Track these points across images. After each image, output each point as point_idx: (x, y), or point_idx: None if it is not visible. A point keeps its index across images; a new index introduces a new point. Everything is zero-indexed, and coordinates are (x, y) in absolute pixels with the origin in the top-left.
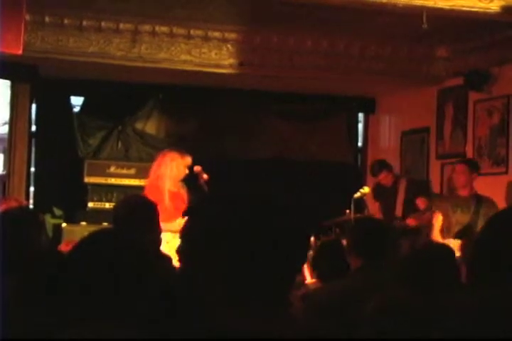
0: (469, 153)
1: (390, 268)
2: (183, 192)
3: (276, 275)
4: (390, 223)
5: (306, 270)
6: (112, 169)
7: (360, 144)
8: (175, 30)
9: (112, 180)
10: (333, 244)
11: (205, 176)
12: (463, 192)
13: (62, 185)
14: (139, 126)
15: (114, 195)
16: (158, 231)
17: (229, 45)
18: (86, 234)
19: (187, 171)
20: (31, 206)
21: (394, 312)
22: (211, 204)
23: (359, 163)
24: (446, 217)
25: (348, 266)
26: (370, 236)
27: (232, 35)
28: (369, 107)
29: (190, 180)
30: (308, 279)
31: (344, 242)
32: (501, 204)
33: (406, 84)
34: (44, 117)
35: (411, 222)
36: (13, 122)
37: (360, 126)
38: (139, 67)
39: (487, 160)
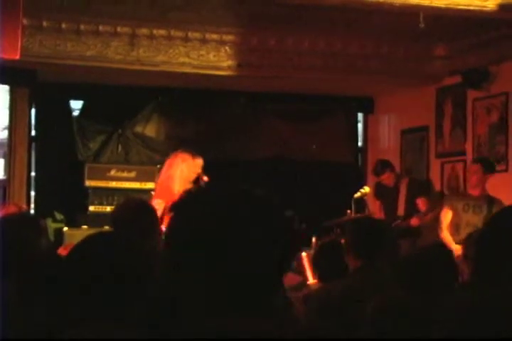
0: (469, 151)
1: (388, 269)
2: None
3: (260, 275)
4: (388, 223)
5: (308, 271)
6: (113, 172)
7: (360, 144)
8: (172, 32)
9: (113, 184)
10: (334, 245)
11: (205, 178)
12: (474, 192)
13: (63, 189)
14: (138, 129)
15: (115, 198)
16: (158, 234)
17: (227, 47)
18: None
19: (198, 173)
20: (32, 210)
21: (393, 313)
22: (193, 202)
23: (359, 162)
24: (456, 214)
25: (345, 266)
26: (368, 236)
27: (230, 37)
28: (368, 107)
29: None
30: (311, 280)
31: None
32: (506, 203)
33: (404, 84)
34: (43, 121)
35: (414, 221)
36: (12, 127)
37: (360, 125)
38: (137, 70)
39: None
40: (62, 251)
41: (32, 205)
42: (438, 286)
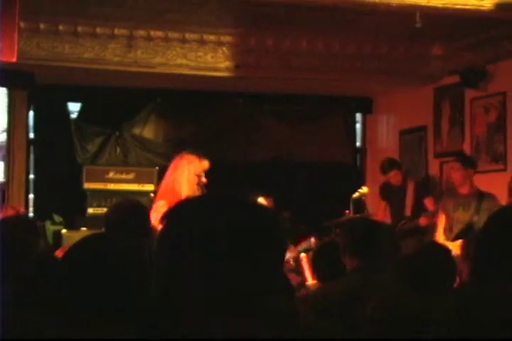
0: (467, 150)
1: (389, 269)
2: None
3: (252, 276)
4: (394, 223)
5: (307, 271)
6: (111, 174)
7: (358, 144)
8: (170, 34)
9: (111, 186)
10: (332, 245)
11: (203, 179)
12: (463, 190)
13: (62, 191)
14: (136, 131)
15: (114, 200)
16: (151, 235)
17: (224, 48)
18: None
19: (203, 174)
20: (31, 213)
21: (393, 313)
22: (187, 208)
23: (358, 163)
24: (448, 216)
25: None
26: (363, 236)
27: (228, 38)
28: (366, 107)
29: None
30: (310, 280)
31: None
32: (502, 202)
33: (402, 83)
34: (42, 124)
35: (423, 221)
36: (10, 129)
37: (358, 126)
38: (135, 72)
39: (485, 158)
40: (59, 253)
41: (31, 208)
42: (437, 286)
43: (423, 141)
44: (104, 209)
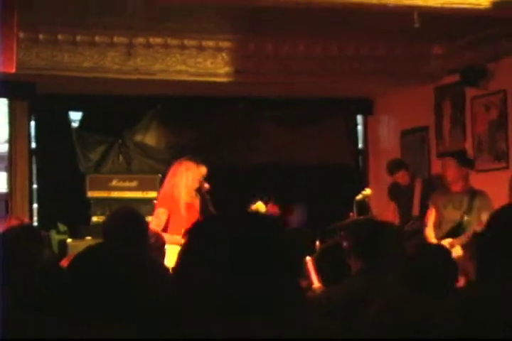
0: (469, 149)
1: (391, 270)
2: (197, 202)
3: (268, 289)
4: (391, 224)
5: (313, 274)
6: (114, 182)
7: (360, 146)
8: (169, 41)
9: (115, 194)
10: (336, 248)
11: (206, 186)
12: (455, 188)
13: (65, 200)
14: (138, 138)
15: None
16: (146, 243)
17: (224, 54)
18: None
19: (201, 181)
20: (35, 223)
21: (395, 315)
22: (210, 224)
23: (360, 165)
24: (438, 212)
25: (348, 269)
26: (369, 238)
27: (227, 44)
28: (367, 108)
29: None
30: (316, 284)
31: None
32: (503, 200)
33: (402, 84)
34: (43, 134)
35: None
36: (12, 140)
37: (360, 128)
38: (135, 79)
39: (487, 156)
40: (65, 263)
41: (35, 217)
42: (438, 287)
43: (425, 141)
44: None
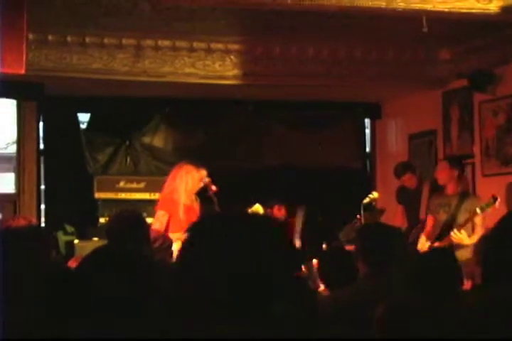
0: (477, 154)
1: (398, 274)
2: (196, 206)
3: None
4: (399, 228)
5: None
6: (122, 184)
7: (368, 150)
8: (177, 43)
9: (122, 195)
10: (338, 251)
11: (213, 188)
12: (447, 191)
13: (73, 201)
14: (146, 140)
15: None
16: (149, 243)
17: (232, 56)
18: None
19: (202, 184)
20: (43, 224)
21: (402, 316)
22: (209, 222)
23: (368, 168)
24: (433, 217)
25: (352, 272)
26: (377, 242)
27: (235, 46)
28: (375, 112)
29: (199, 192)
30: (322, 287)
31: (351, 248)
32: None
33: (410, 88)
34: (52, 135)
35: None
36: (21, 141)
37: (367, 131)
38: (143, 81)
39: (495, 161)
40: (72, 263)
41: (42, 218)
42: (442, 289)
43: (433, 145)
44: None
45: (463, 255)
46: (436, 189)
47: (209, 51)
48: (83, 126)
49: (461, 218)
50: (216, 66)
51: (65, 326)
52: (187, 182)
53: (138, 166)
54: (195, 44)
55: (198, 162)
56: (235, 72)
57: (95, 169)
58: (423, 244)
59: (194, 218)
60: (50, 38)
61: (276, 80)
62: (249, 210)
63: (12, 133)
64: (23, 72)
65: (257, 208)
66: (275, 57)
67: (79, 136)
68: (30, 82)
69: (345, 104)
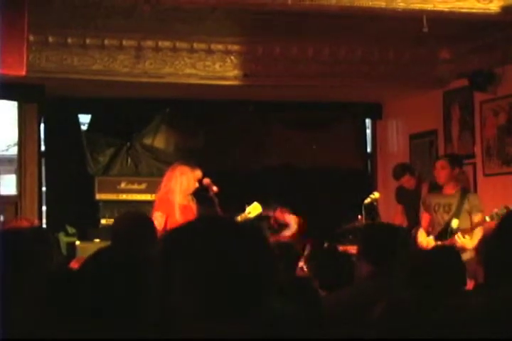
0: (478, 153)
1: (401, 273)
2: (193, 205)
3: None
4: (402, 228)
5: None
6: (123, 185)
7: (368, 150)
8: (178, 44)
9: (123, 196)
10: (326, 252)
11: (214, 188)
12: (447, 190)
13: (74, 203)
14: (147, 141)
15: (126, 210)
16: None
17: (232, 57)
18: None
19: (197, 184)
20: (44, 225)
21: (402, 314)
22: (182, 231)
23: (369, 168)
24: (430, 216)
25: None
26: (380, 242)
27: (235, 47)
28: (376, 113)
29: (200, 193)
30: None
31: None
32: (510, 204)
33: (411, 88)
34: (53, 136)
35: None
36: (22, 143)
37: (368, 131)
38: (144, 82)
39: (496, 161)
40: (74, 265)
41: (44, 220)
42: (446, 288)
43: (433, 145)
44: None
45: (465, 255)
46: (435, 188)
47: (209, 52)
48: (84, 128)
49: (462, 218)
50: (216, 67)
51: (65, 326)
52: (181, 182)
53: (139, 167)
54: (195, 45)
55: (198, 162)
56: (235, 72)
57: (96, 170)
58: (425, 239)
59: (191, 218)
60: (50, 39)
61: (277, 81)
62: (248, 208)
63: (13, 135)
64: (23, 73)
65: (255, 206)
66: (275, 58)
67: (80, 138)
68: (31, 83)
69: (346, 105)
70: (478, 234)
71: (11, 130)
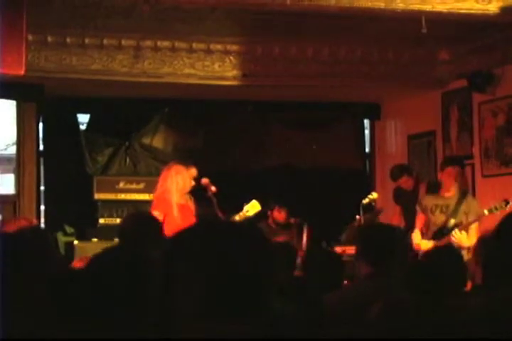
0: (476, 154)
1: (399, 273)
2: (191, 204)
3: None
4: (400, 228)
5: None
6: (121, 184)
7: (367, 150)
8: (177, 44)
9: (122, 196)
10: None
11: (213, 188)
12: (447, 192)
13: (73, 202)
14: (146, 140)
15: (125, 210)
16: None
17: (231, 57)
18: (98, 250)
19: (193, 182)
20: (42, 224)
21: (399, 314)
22: (191, 233)
23: (367, 168)
24: (426, 216)
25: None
26: (379, 243)
27: (234, 47)
28: (374, 113)
29: (198, 193)
30: None
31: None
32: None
33: (410, 89)
34: (51, 136)
35: None
36: (20, 142)
37: (367, 132)
38: (143, 82)
39: (495, 161)
40: (77, 264)
41: (42, 219)
42: (447, 289)
43: (432, 145)
44: (116, 220)
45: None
46: (433, 189)
47: (208, 52)
48: (83, 127)
49: (459, 220)
50: (215, 67)
51: (66, 326)
52: (177, 182)
53: (137, 167)
54: (194, 45)
55: (197, 163)
56: (235, 72)
57: (95, 170)
58: (420, 241)
59: (189, 217)
60: (49, 39)
61: (276, 81)
62: (246, 206)
63: (12, 134)
64: (22, 73)
65: (254, 204)
66: (275, 58)
67: (78, 137)
68: (30, 83)
69: (345, 105)
70: (474, 231)
71: (10, 129)
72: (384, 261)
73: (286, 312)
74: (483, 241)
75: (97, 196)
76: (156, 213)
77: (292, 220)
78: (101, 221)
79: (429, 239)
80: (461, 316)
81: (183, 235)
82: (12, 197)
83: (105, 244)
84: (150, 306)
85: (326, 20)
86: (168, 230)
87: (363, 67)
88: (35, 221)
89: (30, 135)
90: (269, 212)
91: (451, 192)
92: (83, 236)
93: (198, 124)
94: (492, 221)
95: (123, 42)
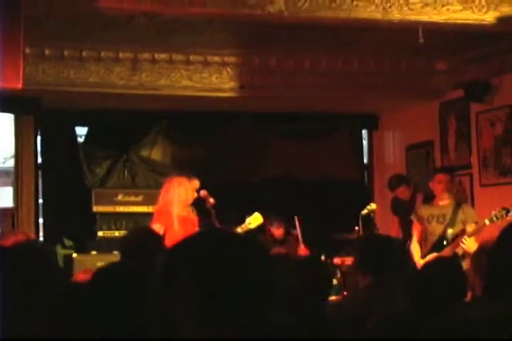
0: (475, 164)
1: (398, 283)
2: (193, 216)
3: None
4: (398, 239)
5: None
6: (120, 197)
7: (365, 161)
8: (174, 56)
9: (120, 208)
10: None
11: (211, 200)
12: (441, 201)
13: (71, 215)
14: (144, 153)
15: (123, 223)
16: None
17: (229, 69)
18: (97, 263)
19: (196, 195)
20: (41, 237)
21: (396, 324)
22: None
23: (365, 179)
24: (423, 227)
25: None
26: (377, 253)
27: (232, 59)
28: (372, 124)
29: (197, 205)
30: None
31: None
32: None
33: (407, 99)
34: (49, 148)
35: None
36: (18, 155)
37: (365, 142)
38: (140, 94)
39: (493, 171)
40: (80, 277)
41: (41, 232)
42: (447, 299)
43: (430, 156)
44: (114, 232)
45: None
46: (430, 200)
47: (205, 64)
48: (81, 140)
49: (457, 228)
50: (213, 79)
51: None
52: (179, 193)
53: (136, 179)
54: (191, 57)
55: (196, 174)
56: (232, 84)
57: (93, 182)
58: (418, 253)
59: (191, 229)
60: (47, 52)
61: (273, 92)
62: (249, 218)
63: (10, 148)
64: (20, 86)
65: (256, 217)
66: (272, 70)
67: (77, 150)
68: (28, 96)
69: (343, 116)
70: (474, 242)
71: (8, 142)
72: (382, 272)
73: (285, 323)
74: (482, 251)
75: (95, 209)
76: (156, 226)
77: (291, 232)
78: (99, 233)
79: (428, 249)
80: (461, 327)
81: (183, 245)
82: (11, 210)
83: (104, 257)
84: (150, 315)
85: (322, 31)
86: (170, 243)
87: (360, 78)
88: (32, 235)
89: (29, 148)
90: (267, 226)
91: (445, 201)
92: (82, 249)
93: (196, 136)
94: (490, 231)
95: (120, 54)
